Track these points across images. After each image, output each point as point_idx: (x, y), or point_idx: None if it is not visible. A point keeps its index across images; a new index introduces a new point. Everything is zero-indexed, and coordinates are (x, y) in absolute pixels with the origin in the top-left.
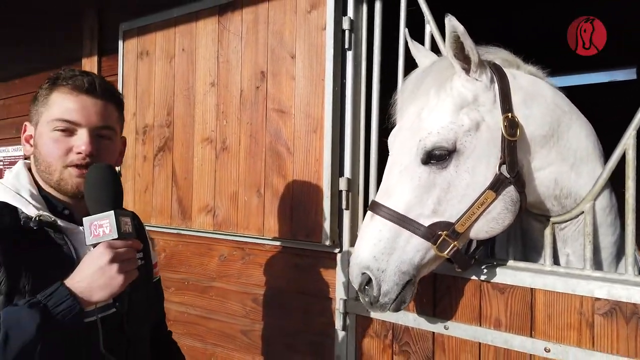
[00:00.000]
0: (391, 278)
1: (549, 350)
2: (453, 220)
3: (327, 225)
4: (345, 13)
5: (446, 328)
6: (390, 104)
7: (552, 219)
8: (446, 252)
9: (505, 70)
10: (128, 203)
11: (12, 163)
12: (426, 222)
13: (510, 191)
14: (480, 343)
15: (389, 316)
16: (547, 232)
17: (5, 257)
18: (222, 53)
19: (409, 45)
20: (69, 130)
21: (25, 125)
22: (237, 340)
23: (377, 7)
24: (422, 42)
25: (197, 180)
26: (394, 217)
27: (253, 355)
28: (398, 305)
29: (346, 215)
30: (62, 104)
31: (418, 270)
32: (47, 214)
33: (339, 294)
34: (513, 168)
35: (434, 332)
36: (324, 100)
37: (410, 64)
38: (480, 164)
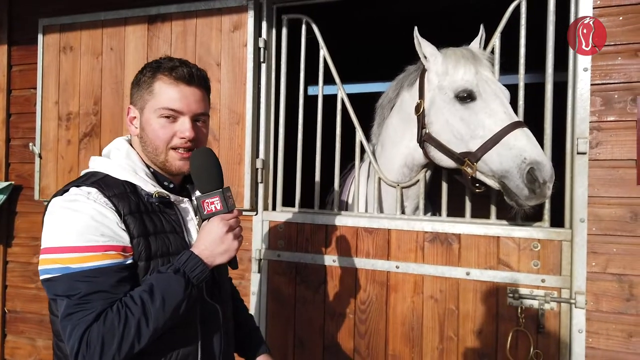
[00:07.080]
0: None
1: (398, 267)
2: None
3: (247, 194)
4: (260, 35)
5: (334, 261)
6: (456, 61)
7: (400, 185)
8: None
9: None
10: (51, 182)
11: None
12: None
13: None
14: (356, 268)
15: (293, 257)
16: (398, 193)
17: (141, 229)
18: (152, 56)
19: (417, 40)
20: (173, 117)
21: (129, 107)
22: None
23: (284, 32)
24: (317, 60)
25: None
26: None
27: None
28: None
29: (260, 187)
30: (167, 94)
31: None
32: (162, 190)
33: (255, 246)
34: None
35: (326, 265)
36: (245, 99)
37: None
38: None
